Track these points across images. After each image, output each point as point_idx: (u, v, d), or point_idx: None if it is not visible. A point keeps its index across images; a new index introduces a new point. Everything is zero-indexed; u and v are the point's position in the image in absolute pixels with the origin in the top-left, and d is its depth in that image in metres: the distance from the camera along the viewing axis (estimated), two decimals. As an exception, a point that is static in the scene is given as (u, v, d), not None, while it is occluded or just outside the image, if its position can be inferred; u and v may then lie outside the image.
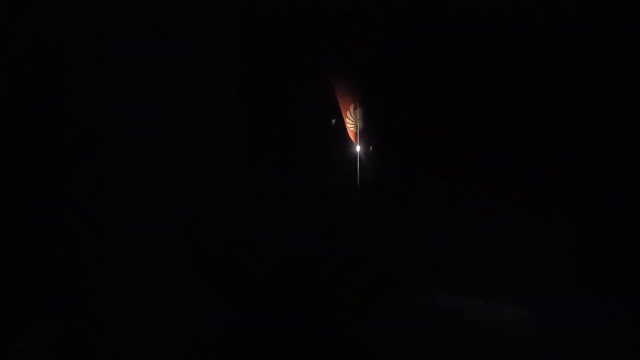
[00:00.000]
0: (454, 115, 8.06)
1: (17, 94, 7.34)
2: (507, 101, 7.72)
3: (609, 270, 6.74)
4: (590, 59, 7.18)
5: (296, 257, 7.62)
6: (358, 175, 9.00)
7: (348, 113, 9.17)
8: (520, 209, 7.31)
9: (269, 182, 8.10)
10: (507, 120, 7.72)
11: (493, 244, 7.36)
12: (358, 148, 9.11)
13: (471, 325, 6.47)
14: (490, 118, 7.83)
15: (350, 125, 9.17)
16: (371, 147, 9.07)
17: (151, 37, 7.78)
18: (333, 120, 9.07)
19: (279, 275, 7.31)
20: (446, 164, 8.12)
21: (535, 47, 7.48)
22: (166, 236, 7.49)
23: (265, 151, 8.50)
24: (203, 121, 8.26)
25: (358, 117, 9.16)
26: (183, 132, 7.96)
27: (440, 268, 7.51)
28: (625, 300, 6.33)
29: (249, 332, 6.11)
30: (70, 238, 7.20)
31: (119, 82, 7.63)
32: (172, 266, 7.14)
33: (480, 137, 7.87)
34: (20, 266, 6.81)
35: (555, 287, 6.68)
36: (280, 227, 7.86)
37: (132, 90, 7.67)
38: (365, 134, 9.10)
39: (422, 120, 8.33)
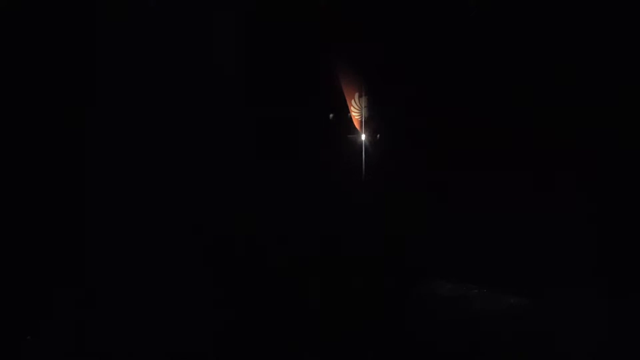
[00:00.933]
0: (459, 108, 8.07)
1: (20, 94, 7.43)
2: (509, 94, 7.71)
3: (613, 262, 6.80)
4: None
5: (300, 250, 7.76)
6: (363, 166, 9.02)
7: (353, 101, 9.12)
8: (523, 200, 7.37)
9: (274, 177, 8.17)
10: (509, 113, 7.71)
11: (497, 234, 7.43)
12: (363, 137, 9.09)
13: (473, 312, 6.56)
14: (494, 109, 7.83)
15: (355, 113, 9.13)
16: (378, 136, 9.05)
17: (154, 36, 7.83)
18: (331, 115, 9.04)
19: (284, 270, 7.45)
20: (451, 154, 8.15)
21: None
22: (170, 235, 7.63)
23: (270, 147, 8.56)
24: (209, 115, 8.31)
25: (363, 105, 9.10)
26: (189, 131, 8.03)
27: (445, 257, 7.59)
28: (629, 292, 6.40)
29: (252, 330, 6.24)
30: (74, 235, 7.35)
31: (121, 81, 7.67)
32: (175, 264, 7.30)
33: (483, 129, 7.87)
34: (27, 263, 6.94)
35: (557, 278, 6.75)
36: (284, 221, 7.98)
37: (134, 90, 7.72)
38: (370, 122, 9.07)
39: (426, 113, 8.34)
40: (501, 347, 5.72)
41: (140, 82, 7.87)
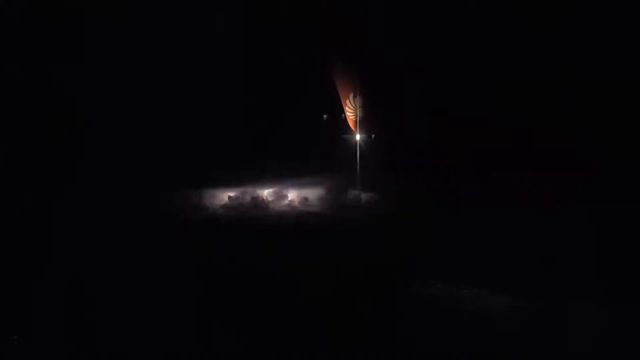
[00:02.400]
0: (456, 108, 8.07)
1: (20, 93, 7.37)
2: (507, 95, 7.73)
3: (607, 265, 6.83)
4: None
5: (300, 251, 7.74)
6: (358, 166, 8.98)
7: (347, 101, 9.10)
8: (515, 205, 7.38)
9: (268, 175, 8.13)
10: (505, 115, 7.73)
11: (488, 237, 7.45)
12: (358, 137, 9.05)
13: (464, 310, 6.59)
14: (490, 112, 7.84)
15: (350, 113, 9.10)
16: (373, 136, 9.02)
17: (154, 36, 7.78)
18: (325, 116, 9.02)
19: (284, 270, 7.42)
20: (448, 155, 8.15)
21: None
22: (164, 231, 7.67)
23: (266, 143, 8.51)
24: (207, 113, 8.26)
25: (358, 106, 9.08)
26: (185, 130, 7.98)
27: (438, 259, 7.59)
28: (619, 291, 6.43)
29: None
30: (63, 233, 7.37)
31: (121, 80, 7.61)
32: (171, 263, 7.26)
33: (480, 129, 7.88)
34: (17, 263, 6.94)
35: (544, 280, 6.79)
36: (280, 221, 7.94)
37: (133, 89, 7.68)
38: (365, 122, 9.04)
39: (424, 113, 8.33)
40: (492, 345, 5.74)
41: (140, 81, 7.84)
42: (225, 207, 9.39)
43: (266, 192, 9.51)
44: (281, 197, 9.60)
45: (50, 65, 7.71)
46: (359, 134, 9.08)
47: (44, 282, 6.58)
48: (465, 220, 7.78)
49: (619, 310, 6.04)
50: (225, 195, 9.42)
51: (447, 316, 6.47)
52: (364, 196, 8.82)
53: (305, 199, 9.56)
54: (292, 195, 9.61)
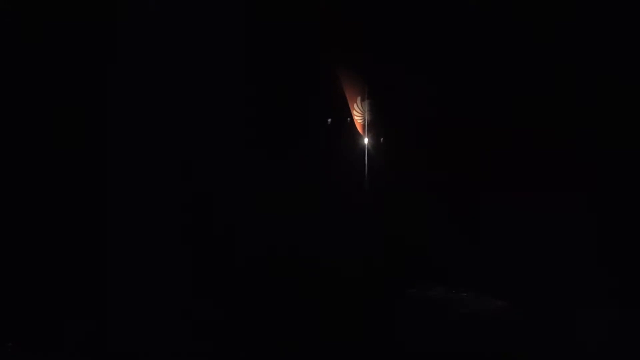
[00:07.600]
0: (460, 114, 8.06)
1: (23, 94, 7.53)
2: (513, 98, 7.70)
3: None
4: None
5: (299, 253, 7.79)
6: (365, 169, 8.99)
7: (355, 105, 9.10)
8: (517, 210, 7.36)
9: (275, 178, 8.16)
10: (512, 118, 7.69)
11: (489, 239, 7.45)
12: (366, 140, 9.05)
13: (465, 311, 6.63)
14: (496, 116, 7.80)
15: (358, 117, 9.10)
16: (381, 140, 9.02)
17: (155, 37, 7.90)
18: (329, 120, 9.03)
19: (283, 271, 7.48)
20: (453, 158, 8.14)
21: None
22: (168, 234, 7.66)
23: (271, 148, 8.55)
24: (212, 117, 8.33)
25: (366, 109, 9.08)
26: (190, 130, 8.05)
27: (438, 263, 7.62)
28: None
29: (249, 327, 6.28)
30: (64, 236, 7.38)
31: (121, 81, 7.72)
32: (172, 263, 7.33)
33: (485, 133, 7.85)
34: (17, 264, 6.97)
35: (540, 283, 6.78)
36: (285, 223, 7.99)
37: (138, 89, 7.78)
38: (373, 126, 9.04)
39: (426, 119, 8.33)
40: (492, 345, 5.77)
41: (140, 82, 7.94)
42: None
43: None
44: None
45: (49, 65, 7.83)
46: (367, 137, 9.09)
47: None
48: (466, 222, 7.78)
49: (621, 314, 6.03)
50: None
51: (447, 317, 6.51)
52: (369, 198, 8.85)
53: None
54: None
